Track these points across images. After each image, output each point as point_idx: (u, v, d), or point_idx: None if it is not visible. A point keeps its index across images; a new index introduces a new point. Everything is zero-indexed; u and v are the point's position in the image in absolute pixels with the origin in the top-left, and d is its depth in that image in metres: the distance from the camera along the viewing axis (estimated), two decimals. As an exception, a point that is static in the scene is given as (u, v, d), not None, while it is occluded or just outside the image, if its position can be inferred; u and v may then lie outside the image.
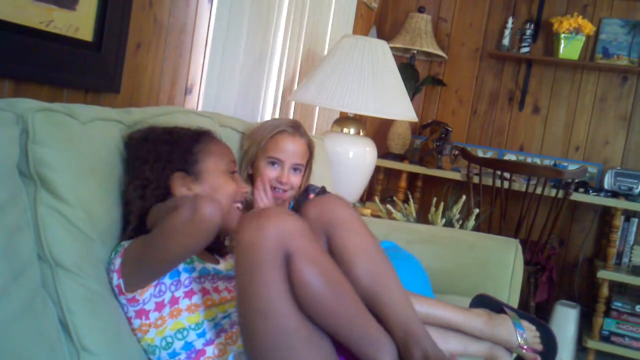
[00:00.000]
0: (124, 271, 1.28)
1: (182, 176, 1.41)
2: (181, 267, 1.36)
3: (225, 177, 1.46)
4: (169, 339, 1.33)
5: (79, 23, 1.65)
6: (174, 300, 1.34)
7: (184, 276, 1.36)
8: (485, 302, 1.75)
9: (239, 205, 1.49)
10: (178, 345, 1.33)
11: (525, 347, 1.61)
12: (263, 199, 1.78)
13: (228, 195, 1.45)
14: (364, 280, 1.36)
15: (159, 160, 1.41)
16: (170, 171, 1.41)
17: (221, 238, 1.52)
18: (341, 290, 1.23)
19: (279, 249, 1.17)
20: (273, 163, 1.89)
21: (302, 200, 1.80)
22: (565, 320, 3.40)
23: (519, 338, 1.60)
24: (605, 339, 3.35)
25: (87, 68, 1.71)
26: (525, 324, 1.64)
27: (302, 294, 1.19)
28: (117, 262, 1.29)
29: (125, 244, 1.33)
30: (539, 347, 1.64)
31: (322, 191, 1.86)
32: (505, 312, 1.68)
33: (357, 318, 1.25)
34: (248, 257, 1.18)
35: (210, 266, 1.43)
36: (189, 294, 1.35)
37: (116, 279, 1.29)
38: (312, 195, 1.81)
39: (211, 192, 1.42)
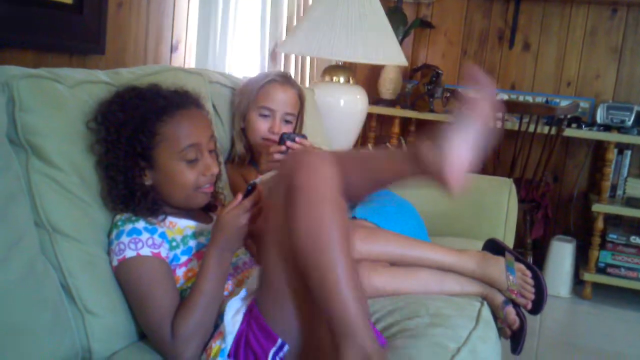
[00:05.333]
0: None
1: (138, 162, 1.31)
2: (179, 251, 1.34)
3: (180, 165, 1.32)
4: None
5: (58, -15, 1.63)
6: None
7: (183, 258, 1.34)
8: (492, 246, 1.78)
9: (206, 188, 1.37)
10: None
11: (514, 290, 1.62)
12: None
13: (184, 186, 1.34)
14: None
15: (113, 142, 1.30)
16: (124, 154, 1.29)
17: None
18: (326, 244, 1.05)
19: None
20: (264, 115, 1.89)
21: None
22: (562, 254, 3.45)
23: (508, 280, 1.62)
24: (601, 271, 3.38)
25: (69, 31, 1.69)
26: (520, 268, 1.65)
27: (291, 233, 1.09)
28: (114, 259, 1.28)
29: (124, 217, 1.32)
30: (530, 295, 1.62)
31: (303, 137, 1.73)
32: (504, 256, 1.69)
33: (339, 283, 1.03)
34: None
35: (205, 233, 1.40)
36: (185, 264, 1.35)
37: (114, 262, 1.29)
38: (289, 143, 1.68)
39: (166, 181, 1.33)
